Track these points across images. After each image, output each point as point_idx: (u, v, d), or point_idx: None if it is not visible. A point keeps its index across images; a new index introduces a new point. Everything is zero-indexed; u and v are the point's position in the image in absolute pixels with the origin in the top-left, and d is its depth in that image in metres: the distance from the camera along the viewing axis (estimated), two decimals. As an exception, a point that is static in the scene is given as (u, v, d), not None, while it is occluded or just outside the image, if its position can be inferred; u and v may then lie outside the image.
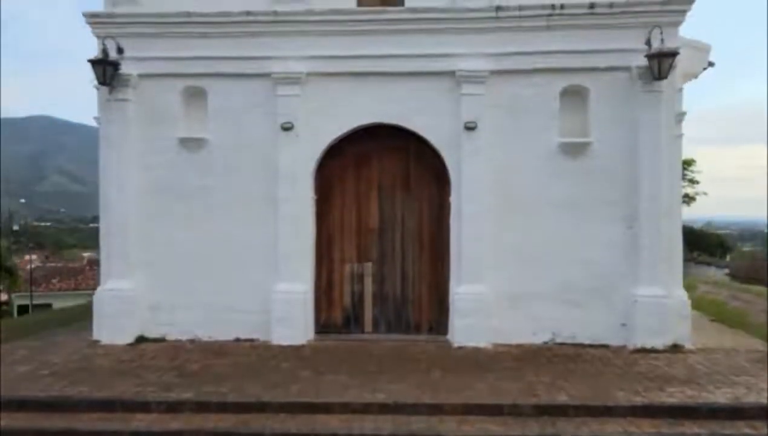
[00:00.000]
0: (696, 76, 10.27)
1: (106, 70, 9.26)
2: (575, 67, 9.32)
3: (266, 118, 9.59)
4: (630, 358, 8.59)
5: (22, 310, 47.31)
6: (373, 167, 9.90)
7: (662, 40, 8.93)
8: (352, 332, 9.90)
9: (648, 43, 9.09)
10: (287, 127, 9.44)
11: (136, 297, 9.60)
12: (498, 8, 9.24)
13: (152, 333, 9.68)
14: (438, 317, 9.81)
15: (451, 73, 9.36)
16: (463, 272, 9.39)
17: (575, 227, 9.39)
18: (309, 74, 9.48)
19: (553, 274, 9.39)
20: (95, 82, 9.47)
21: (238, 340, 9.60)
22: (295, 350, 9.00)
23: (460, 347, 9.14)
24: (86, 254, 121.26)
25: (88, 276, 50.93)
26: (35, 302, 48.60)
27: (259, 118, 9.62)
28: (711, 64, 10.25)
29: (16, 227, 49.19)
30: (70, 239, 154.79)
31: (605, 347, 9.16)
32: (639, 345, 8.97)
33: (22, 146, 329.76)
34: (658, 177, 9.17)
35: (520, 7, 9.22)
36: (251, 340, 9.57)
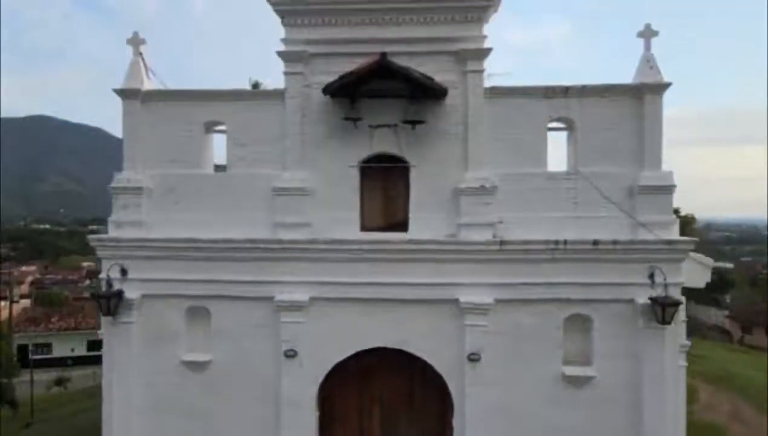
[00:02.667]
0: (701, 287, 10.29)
1: (111, 302, 9.28)
2: (579, 298, 9.34)
3: (269, 341, 9.61)
4: None
5: (22, 350, 47.47)
6: (375, 384, 9.91)
7: (665, 282, 8.98)
8: None
9: (651, 278, 9.13)
10: (290, 355, 9.46)
11: None
12: (502, 242, 9.25)
13: None
14: None
15: (455, 301, 9.37)
16: (467, 498, 9.41)
17: (579, 456, 9.40)
18: (312, 299, 9.50)
19: (556, 503, 9.41)
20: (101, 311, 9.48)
21: None
22: None
23: None
24: (85, 264, 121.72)
25: (88, 314, 51.10)
26: (35, 341, 48.67)
27: (262, 340, 9.64)
28: (713, 272, 10.29)
29: (17, 298, 48.85)
30: (69, 244, 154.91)
31: None
32: None
33: (22, 146, 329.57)
34: (662, 409, 9.19)
35: (525, 242, 9.23)
36: None
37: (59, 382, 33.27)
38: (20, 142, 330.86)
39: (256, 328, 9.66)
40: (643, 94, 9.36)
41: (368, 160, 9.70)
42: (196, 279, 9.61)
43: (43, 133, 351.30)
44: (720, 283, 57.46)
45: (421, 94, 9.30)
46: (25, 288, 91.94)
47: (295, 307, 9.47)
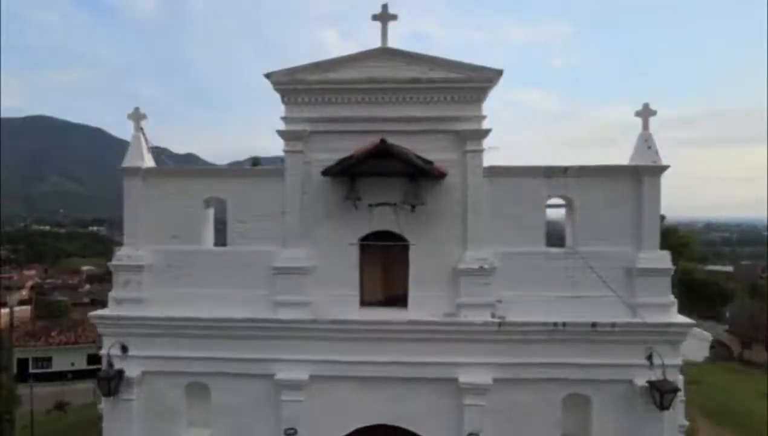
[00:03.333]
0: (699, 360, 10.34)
1: (111, 383, 9.33)
2: (577, 378, 9.39)
3: (269, 418, 9.65)
4: None
5: (22, 364, 47.61)
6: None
7: (663, 364, 9.04)
8: None
9: (649, 359, 9.19)
10: (290, 434, 9.50)
11: None
12: (501, 324, 9.30)
13: None
14: None
15: (454, 380, 9.42)
16: None
17: None
18: (312, 377, 9.54)
19: None
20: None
21: None
22: None
23: None
24: (85, 268, 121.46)
25: (88, 328, 51.07)
26: (35, 355, 48.88)
27: (262, 417, 9.68)
28: (712, 346, 10.34)
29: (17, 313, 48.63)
30: (69, 247, 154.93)
31: None
32: None
33: (22, 146, 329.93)
34: (662, 493, 9.22)
35: (523, 323, 9.29)
36: None
37: (60, 406, 33.21)
38: (20, 142, 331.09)
39: (256, 405, 9.70)
40: (641, 176, 9.41)
41: (367, 238, 9.75)
42: (196, 356, 9.65)
43: (43, 133, 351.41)
44: (720, 295, 57.55)
45: (419, 175, 9.35)
46: (24, 293, 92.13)
47: (295, 385, 9.51)
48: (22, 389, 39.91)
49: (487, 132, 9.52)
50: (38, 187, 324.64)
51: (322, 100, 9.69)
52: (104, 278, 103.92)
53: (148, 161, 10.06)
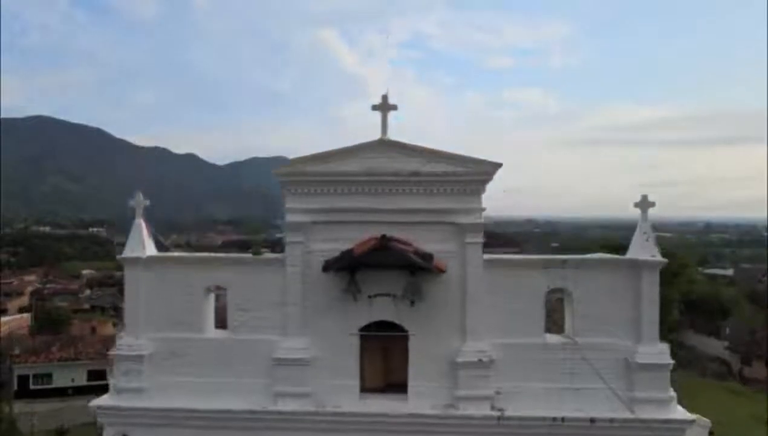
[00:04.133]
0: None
1: (112, 476, 9.36)
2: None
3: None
4: None
5: (22, 380, 47.67)
6: None
7: (662, 460, 9.07)
8: None
9: (649, 454, 9.22)
10: None
11: None
12: (500, 418, 9.33)
13: None
14: None
15: (455, 469, 9.45)
16: None
17: None
18: (314, 468, 9.58)
19: None
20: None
21: None
22: None
23: None
24: (86, 272, 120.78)
25: (88, 343, 51.12)
26: (35, 371, 48.86)
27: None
28: (711, 432, 10.38)
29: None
30: (70, 249, 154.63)
31: None
32: None
33: (22, 146, 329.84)
34: None
35: (523, 418, 9.32)
36: None
37: (61, 433, 33.20)
38: (20, 142, 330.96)
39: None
40: (639, 269, 9.44)
41: (367, 327, 9.78)
42: (197, 451, 9.69)
43: (43, 133, 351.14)
44: (719, 310, 57.52)
45: (419, 269, 9.37)
46: (25, 300, 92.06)
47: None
48: (22, 406, 40.17)
49: (486, 225, 9.56)
50: (38, 187, 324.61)
51: (322, 191, 9.73)
52: (105, 283, 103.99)
53: (149, 249, 10.08)
